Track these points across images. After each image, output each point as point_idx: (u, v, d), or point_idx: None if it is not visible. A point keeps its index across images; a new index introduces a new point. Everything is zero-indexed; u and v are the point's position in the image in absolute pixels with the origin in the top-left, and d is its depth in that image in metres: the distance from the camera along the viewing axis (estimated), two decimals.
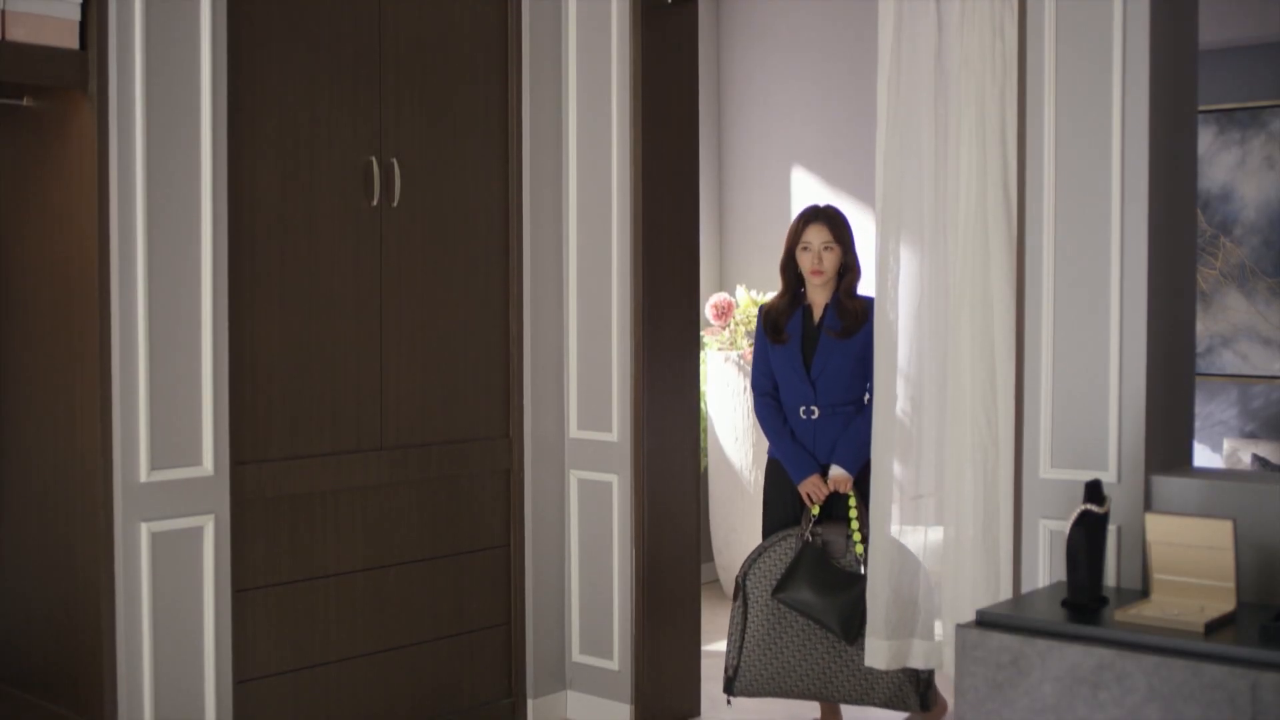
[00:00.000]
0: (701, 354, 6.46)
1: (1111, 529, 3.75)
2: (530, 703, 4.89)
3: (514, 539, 4.85)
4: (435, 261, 4.59)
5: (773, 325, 4.70)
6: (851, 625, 4.41)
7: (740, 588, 4.58)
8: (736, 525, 6.74)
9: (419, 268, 4.54)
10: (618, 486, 4.84)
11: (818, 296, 4.69)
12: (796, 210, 7.08)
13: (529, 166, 4.83)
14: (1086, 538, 3.46)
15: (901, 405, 5.28)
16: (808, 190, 7.10)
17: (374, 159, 4.39)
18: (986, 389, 4.56)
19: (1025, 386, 4.00)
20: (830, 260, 4.63)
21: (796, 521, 4.62)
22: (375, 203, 4.40)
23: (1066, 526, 3.55)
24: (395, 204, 4.45)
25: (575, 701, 4.98)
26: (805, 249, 4.65)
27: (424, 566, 4.59)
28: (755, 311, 6.76)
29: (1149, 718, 3.12)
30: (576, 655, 4.98)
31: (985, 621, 3.44)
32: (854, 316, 4.61)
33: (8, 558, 4.12)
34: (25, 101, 3.94)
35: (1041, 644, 3.28)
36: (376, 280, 4.42)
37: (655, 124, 4.81)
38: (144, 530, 3.82)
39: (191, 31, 3.89)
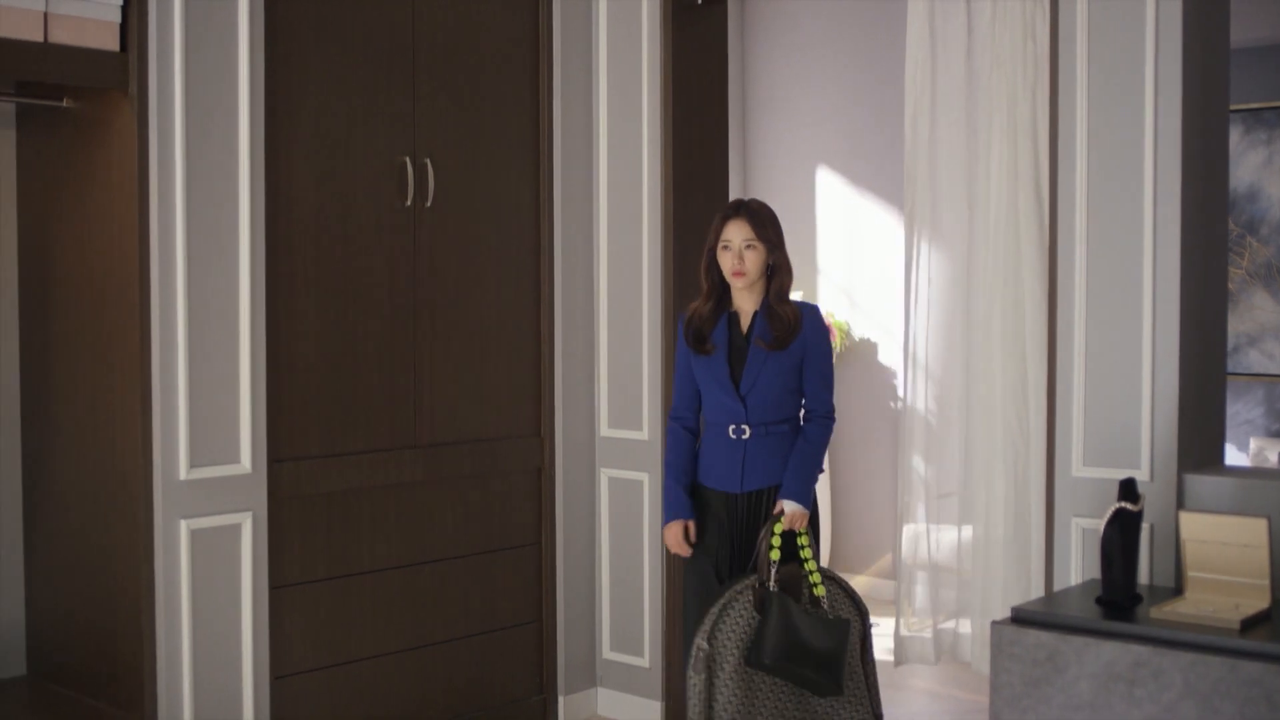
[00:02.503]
0: None
1: (1144, 527, 3.77)
2: (561, 700, 4.92)
3: (545, 537, 4.88)
4: (468, 261, 4.62)
5: (695, 334, 4.11)
6: (840, 676, 3.90)
7: (700, 656, 3.87)
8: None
9: (452, 267, 4.57)
10: (648, 485, 4.86)
11: (744, 302, 4.10)
12: (821, 212, 7.13)
13: (560, 166, 4.86)
14: (1121, 535, 3.48)
15: (925, 404, 5.31)
16: (832, 191, 7.12)
17: (408, 159, 4.43)
18: (1017, 388, 4.58)
19: (1057, 385, 4.01)
20: (753, 260, 4.02)
21: (724, 555, 4.02)
22: (409, 202, 4.44)
23: (1100, 524, 3.58)
24: (429, 204, 4.48)
25: (606, 698, 5.01)
26: (725, 248, 4.06)
27: (457, 564, 4.62)
28: None
29: (1185, 714, 3.14)
30: (607, 652, 5.01)
31: (1020, 618, 3.46)
32: (786, 325, 4.03)
33: (49, 555, 4.16)
34: (65, 103, 3.98)
35: (1077, 641, 3.30)
36: (410, 280, 4.45)
37: (685, 123, 4.84)
38: (183, 527, 3.85)
39: (229, 33, 3.93)
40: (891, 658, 5.71)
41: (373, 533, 4.37)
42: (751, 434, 4.03)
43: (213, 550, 3.92)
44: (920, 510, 5.45)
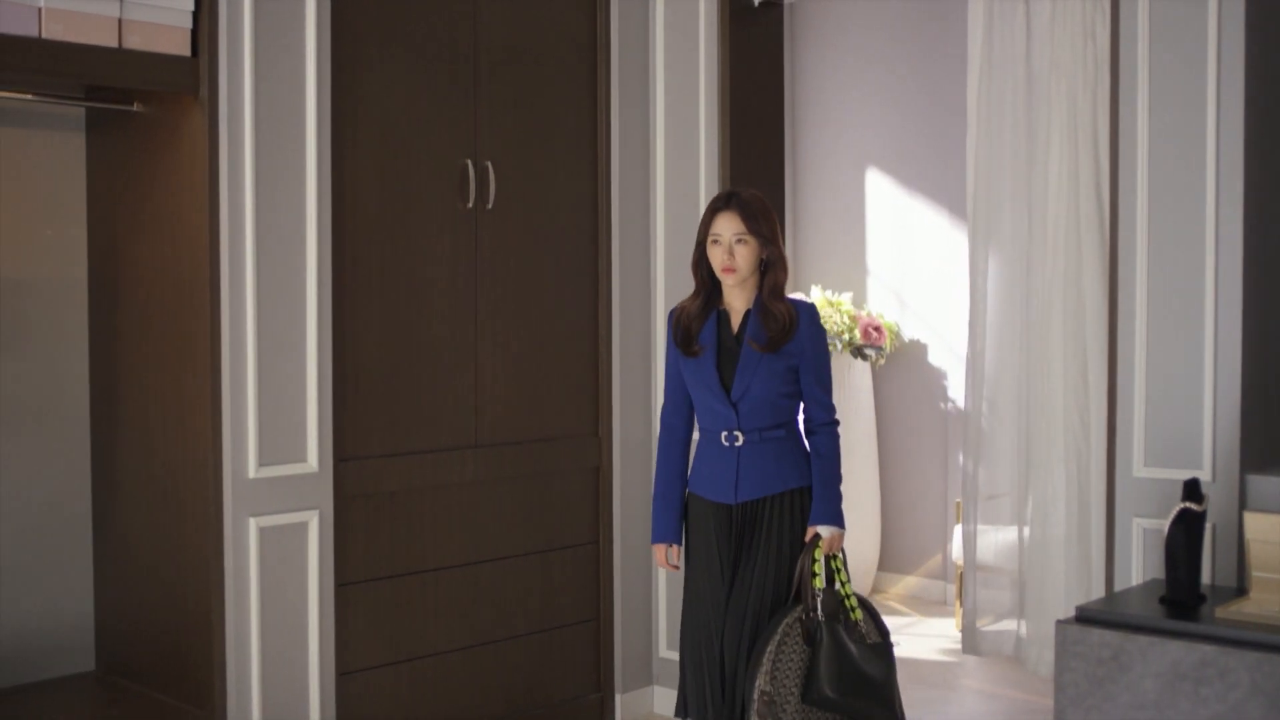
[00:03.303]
0: None
1: (1206, 527, 3.77)
2: (618, 698, 4.96)
3: (602, 536, 4.92)
4: (527, 263, 4.67)
5: (684, 334, 3.88)
6: (895, 708, 3.78)
7: (764, 699, 3.66)
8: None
9: (512, 269, 4.62)
10: None
11: (735, 300, 3.86)
12: (871, 212, 7.14)
13: (617, 168, 4.90)
14: (1186, 535, 3.49)
15: (978, 406, 5.32)
16: (881, 192, 7.13)
17: (469, 162, 4.47)
18: (1078, 389, 4.59)
19: (1118, 386, 4.02)
20: (745, 255, 3.78)
21: (717, 570, 3.82)
22: (470, 205, 4.48)
23: (1163, 525, 3.59)
24: (490, 206, 4.53)
25: (662, 697, 5.04)
26: (715, 242, 3.81)
27: (516, 562, 4.66)
28: (831, 313, 6.81)
29: (1252, 714, 3.15)
30: (663, 650, 5.05)
31: (1085, 617, 3.47)
32: (780, 325, 3.78)
33: (117, 552, 4.22)
34: (135, 107, 4.04)
35: (1143, 640, 3.31)
36: (471, 281, 4.50)
37: (742, 126, 4.86)
38: (252, 525, 3.91)
39: (297, 38, 3.98)
40: (943, 657, 5.73)
41: (434, 531, 4.42)
42: (745, 441, 3.80)
43: (280, 547, 3.97)
44: (972, 511, 5.46)
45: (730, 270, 3.79)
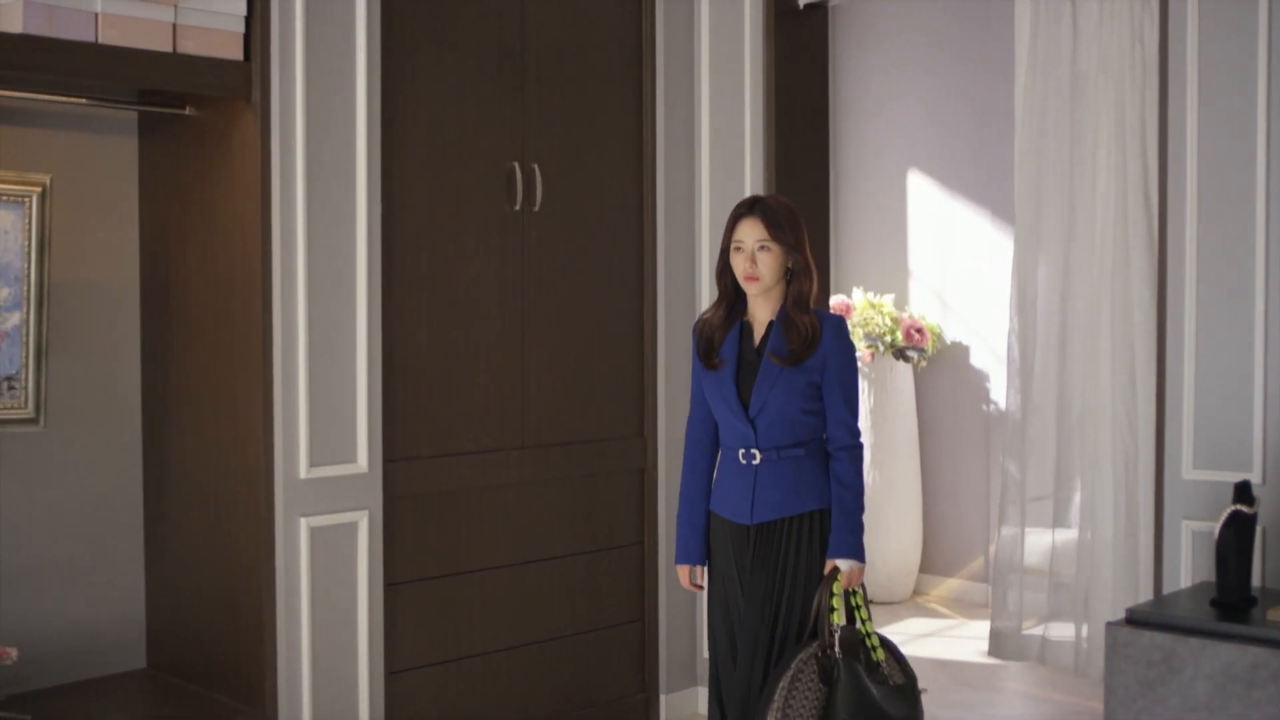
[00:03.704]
0: None
1: (1257, 530, 3.76)
2: (663, 698, 4.98)
3: (647, 537, 4.94)
4: (573, 264, 4.69)
5: (705, 346, 3.74)
6: None
7: None
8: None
9: (558, 271, 4.64)
10: None
11: (759, 311, 3.71)
12: (913, 214, 7.14)
13: (663, 171, 4.92)
14: (1236, 538, 3.49)
15: (1021, 408, 5.31)
16: (923, 194, 7.13)
17: (516, 164, 4.50)
18: (1126, 391, 4.58)
19: (1167, 388, 4.01)
20: (768, 263, 3.62)
21: (735, 592, 3.71)
22: (518, 207, 4.51)
23: (1212, 527, 3.58)
24: (537, 208, 4.55)
25: (706, 698, 5.05)
26: (738, 249, 3.66)
27: (562, 563, 4.69)
28: (873, 315, 6.81)
29: None
30: (708, 651, 5.05)
31: (1135, 620, 3.47)
32: (803, 337, 3.60)
33: (169, 551, 4.26)
34: (187, 111, 4.08)
35: (1194, 642, 3.31)
36: (519, 283, 4.53)
37: (787, 128, 4.88)
38: (303, 525, 3.95)
39: (348, 42, 4.02)
40: (986, 660, 5.72)
41: (482, 532, 4.45)
42: (762, 459, 3.64)
43: (331, 547, 4.01)
44: (1014, 513, 5.45)
45: (753, 279, 3.64)
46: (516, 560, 4.55)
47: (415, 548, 4.28)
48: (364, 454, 4.07)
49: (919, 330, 6.86)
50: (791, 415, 3.62)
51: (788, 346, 3.61)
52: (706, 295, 5.01)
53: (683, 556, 3.82)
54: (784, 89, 4.86)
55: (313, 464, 3.96)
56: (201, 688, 4.14)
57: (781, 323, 3.65)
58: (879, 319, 6.80)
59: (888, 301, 6.93)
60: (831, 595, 3.58)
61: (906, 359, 6.87)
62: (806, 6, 4.90)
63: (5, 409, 3.82)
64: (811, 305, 3.66)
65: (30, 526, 4.05)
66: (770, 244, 3.62)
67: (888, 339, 6.78)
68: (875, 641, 3.62)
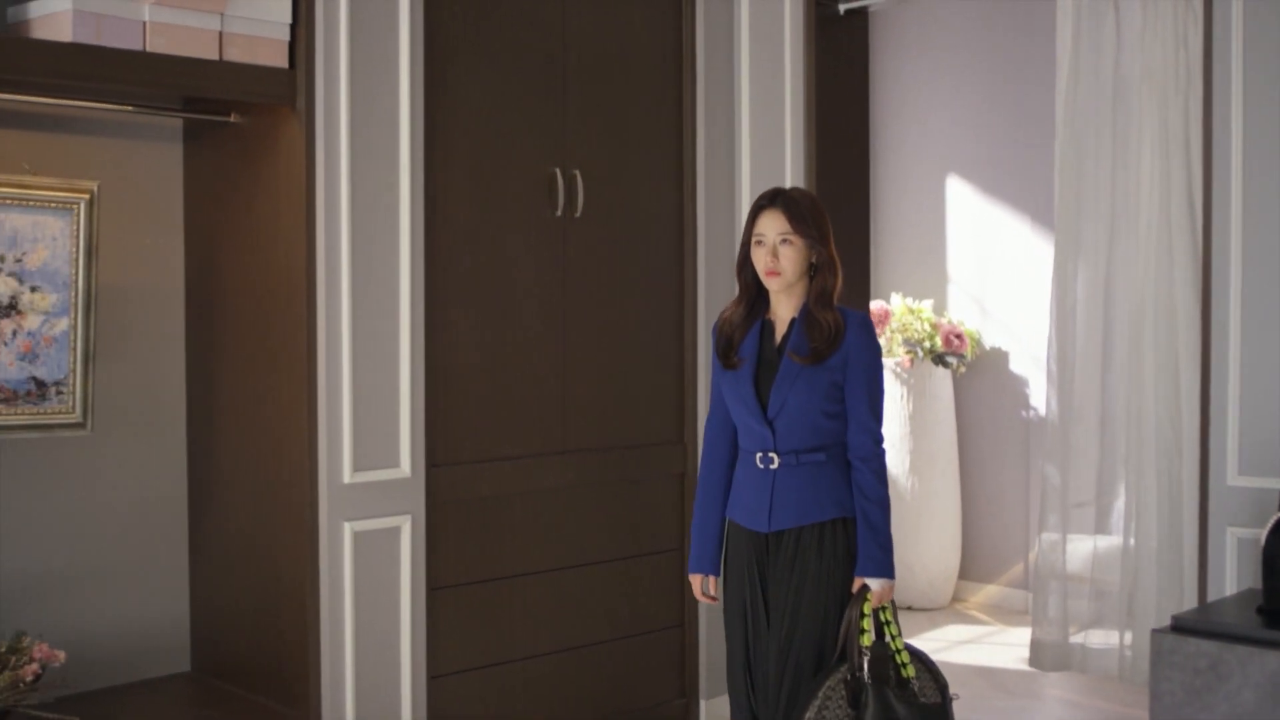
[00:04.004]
0: None
1: None
2: (703, 704, 4.98)
3: (687, 542, 4.91)
4: (614, 270, 4.70)
5: (725, 344, 3.60)
6: None
7: None
8: (893, 531, 6.76)
9: (599, 277, 4.65)
10: None
11: (781, 308, 3.57)
12: (952, 219, 7.12)
13: (703, 176, 4.92)
14: None
15: (1062, 414, 5.29)
16: (962, 199, 7.11)
17: (558, 170, 4.52)
18: (1170, 397, 4.56)
19: (1211, 394, 3.99)
20: (790, 257, 3.47)
21: (754, 601, 3.58)
22: (559, 213, 4.53)
23: (1257, 534, 3.56)
24: (578, 214, 4.57)
25: None
26: (759, 243, 3.52)
27: (602, 568, 4.69)
28: (911, 320, 6.80)
29: None
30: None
31: (1181, 627, 3.45)
32: (826, 334, 3.45)
33: (213, 554, 4.30)
34: (232, 118, 4.12)
35: (1241, 650, 3.29)
36: (560, 289, 4.54)
37: (828, 134, 4.87)
38: (347, 529, 3.97)
39: (391, 49, 4.04)
40: (1026, 667, 5.70)
41: (523, 537, 4.46)
42: (780, 464, 3.48)
43: (374, 552, 4.03)
44: (1055, 520, 5.43)
45: (774, 274, 3.49)
46: (557, 565, 4.56)
47: (457, 552, 4.29)
48: (407, 459, 4.09)
49: (958, 336, 6.84)
50: (812, 417, 3.46)
51: (809, 344, 3.46)
52: None
53: (695, 565, 3.70)
54: (824, 94, 4.86)
55: (356, 469, 3.98)
56: (245, 691, 4.17)
57: (804, 320, 3.50)
58: (918, 324, 6.78)
59: (926, 307, 6.91)
60: (862, 616, 3.45)
61: (945, 365, 6.85)
62: (847, 12, 4.90)
63: (53, 413, 3.86)
64: (836, 302, 3.52)
65: (77, 530, 4.09)
66: (793, 237, 3.48)
67: (927, 345, 6.76)
68: (905, 658, 3.49)
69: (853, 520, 3.50)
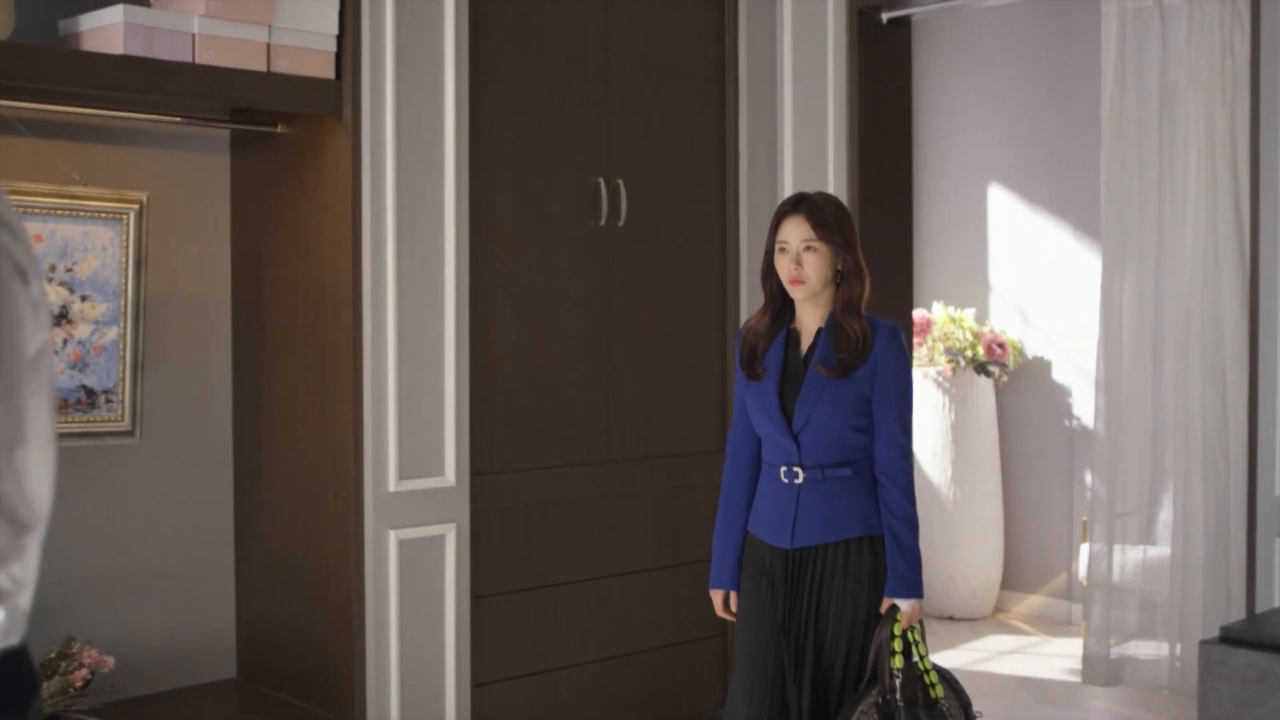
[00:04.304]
0: None
1: None
2: None
3: None
4: (657, 279, 4.71)
5: (749, 354, 3.48)
6: None
7: None
8: (935, 543, 6.75)
9: (642, 285, 4.66)
10: None
11: (807, 317, 3.45)
12: (993, 227, 7.09)
13: (745, 185, 4.92)
14: None
15: (1103, 421, 5.26)
16: (1004, 207, 7.09)
17: (601, 180, 4.53)
18: (1217, 407, 4.53)
19: (1259, 404, 3.96)
20: (815, 264, 3.36)
21: (778, 620, 3.43)
22: (602, 222, 4.54)
23: None
24: (621, 223, 4.58)
25: None
26: (782, 250, 3.41)
27: (645, 577, 4.70)
28: (953, 329, 6.77)
29: None
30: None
31: (1230, 638, 3.42)
32: (853, 345, 3.33)
33: (259, 562, 4.33)
34: (279, 129, 4.15)
35: None
36: (603, 297, 4.56)
37: (871, 143, 4.87)
38: (392, 537, 3.99)
39: (436, 59, 4.07)
40: (1069, 678, 5.67)
41: (567, 545, 4.48)
42: (805, 479, 3.36)
43: (419, 560, 4.05)
44: (1101, 530, 5.41)
45: (798, 281, 3.37)
46: (601, 574, 4.57)
47: (501, 560, 4.31)
48: (451, 467, 4.11)
49: (1000, 345, 6.81)
50: (839, 431, 3.34)
51: (836, 355, 3.34)
52: None
53: (716, 580, 3.58)
54: (867, 103, 4.86)
55: (401, 477, 4.01)
56: (290, 697, 4.20)
57: (830, 329, 3.38)
58: (960, 333, 6.76)
59: (968, 316, 6.89)
60: (892, 637, 3.34)
61: (988, 374, 6.83)
62: (890, 20, 4.89)
63: (103, 421, 3.90)
64: (864, 310, 3.41)
65: (126, 537, 4.13)
66: (817, 244, 3.36)
67: (969, 354, 6.74)
68: (934, 678, 3.38)
69: (879, 538, 3.38)
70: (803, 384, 3.37)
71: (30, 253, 1.59)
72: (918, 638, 3.36)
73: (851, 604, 3.35)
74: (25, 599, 1.58)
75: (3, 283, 1.53)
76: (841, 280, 3.39)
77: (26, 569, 1.56)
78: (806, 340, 3.44)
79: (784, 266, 3.39)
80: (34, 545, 1.57)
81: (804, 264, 3.36)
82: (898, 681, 3.28)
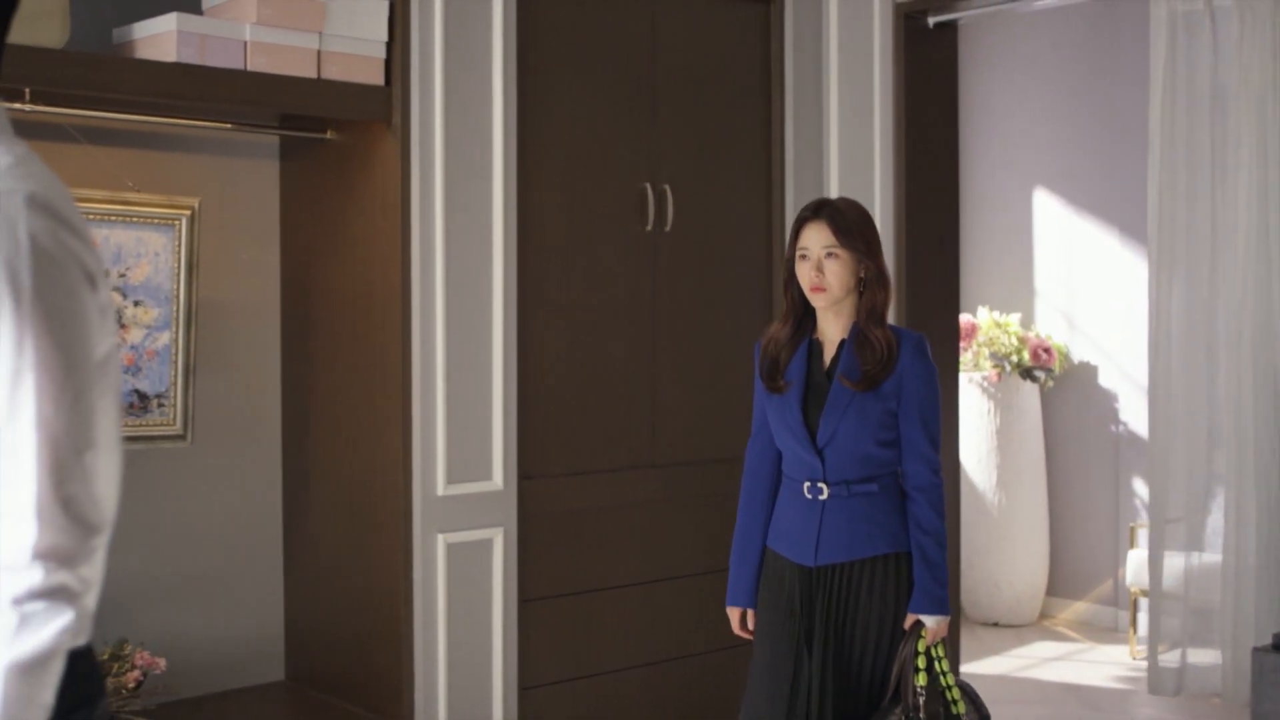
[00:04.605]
0: None
1: None
2: None
3: None
4: (704, 285, 4.71)
5: (770, 366, 3.40)
6: None
7: None
8: (980, 548, 6.72)
9: (689, 290, 4.67)
10: None
11: (829, 327, 3.34)
12: (1039, 232, 7.06)
13: (792, 191, 4.92)
14: None
15: (1154, 426, 5.23)
16: (1050, 212, 7.06)
17: (648, 185, 4.54)
18: (1270, 412, 4.49)
19: None
20: (836, 272, 3.25)
21: (799, 637, 3.35)
22: (649, 227, 4.55)
23: None
24: (668, 229, 4.59)
25: None
26: (803, 257, 3.30)
27: (691, 582, 4.70)
28: (999, 334, 6.75)
29: None
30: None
31: None
32: (878, 356, 3.22)
33: (307, 566, 4.35)
34: (328, 135, 4.18)
35: None
36: (650, 302, 4.56)
37: (917, 146, 4.86)
38: (440, 541, 4.01)
39: (485, 66, 4.09)
40: (1117, 685, 5.63)
41: (613, 549, 4.48)
42: (830, 495, 3.26)
43: (467, 564, 4.07)
44: (1149, 536, 5.37)
45: (819, 289, 3.27)
46: (647, 578, 4.57)
47: (548, 564, 4.32)
48: (499, 472, 4.13)
49: (1046, 350, 6.78)
50: (864, 446, 3.24)
51: (860, 368, 3.23)
52: None
53: (733, 598, 3.48)
54: (913, 107, 4.84)
55: (450, 481, 4.02)
56: (338, 700, 4.22)
57: (854, 340, 3.28)
58: (1005, 338, 6.74)
59: (1014, 321, 6.86)
60: (916, 654, 3.25)
61: (1033, 379, 6.80)
62: (937, 25, 4.88)
63: (155, 426, 3.94)
64: (887, 319, 3.32)
65: (177, 539, 4.17)
66: (838, 250, 3.25)
67: (1014, 359, 6.71)
68: (956, 694, 3.28)
69: (905, 554, 3.28)
70: (827, 398, 3.27)
71: (98, 259, 1.61)
72: (940, 654, 3.27)
73: (878, 621, 3.26)
74: (92, 601, 1.60)
75: (72, 288, 1.55)
76: (864, 289, 3.29)
77: (94, 571, 1.58)
78: (829, 351, 3.34)
79: (805, 274, 3.29)
80: (101, 548, 1.58)
81: (825, 271, 3.26)
82: (921, 700, 3.19)
